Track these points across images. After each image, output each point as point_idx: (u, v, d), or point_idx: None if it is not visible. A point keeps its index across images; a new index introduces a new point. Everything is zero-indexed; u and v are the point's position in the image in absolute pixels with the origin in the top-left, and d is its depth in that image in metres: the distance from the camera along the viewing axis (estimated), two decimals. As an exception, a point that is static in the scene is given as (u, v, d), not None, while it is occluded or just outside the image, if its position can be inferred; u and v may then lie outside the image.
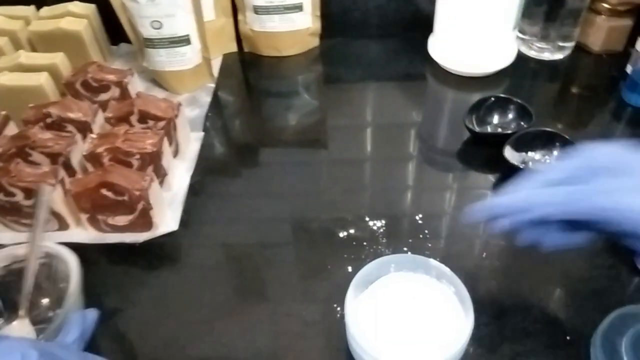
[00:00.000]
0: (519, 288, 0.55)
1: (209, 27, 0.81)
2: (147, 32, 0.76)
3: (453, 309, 0.47)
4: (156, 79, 0.83)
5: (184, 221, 0.63)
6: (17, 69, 0.72)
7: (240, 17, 0.88)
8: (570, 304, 0.53)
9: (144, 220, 0.59)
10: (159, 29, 0.76)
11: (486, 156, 0.68)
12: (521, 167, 0.63)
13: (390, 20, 0.92)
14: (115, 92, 0.72)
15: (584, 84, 0.84)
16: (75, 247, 0.58)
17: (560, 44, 0.84)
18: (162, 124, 0.66)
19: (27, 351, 0.35)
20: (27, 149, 0.61)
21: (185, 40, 0.78)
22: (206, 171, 0.70)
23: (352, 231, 0.60)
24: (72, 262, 0.48)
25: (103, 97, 0.72)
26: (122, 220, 0.59)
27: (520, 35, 0.85)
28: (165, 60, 0.79)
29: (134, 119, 0.66)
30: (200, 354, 0.51)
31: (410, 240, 0.59)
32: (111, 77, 0.72)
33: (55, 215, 0.60)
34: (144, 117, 0.66)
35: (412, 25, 0.90)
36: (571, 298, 0.54)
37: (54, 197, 0.58)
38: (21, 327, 0.47)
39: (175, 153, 0.69)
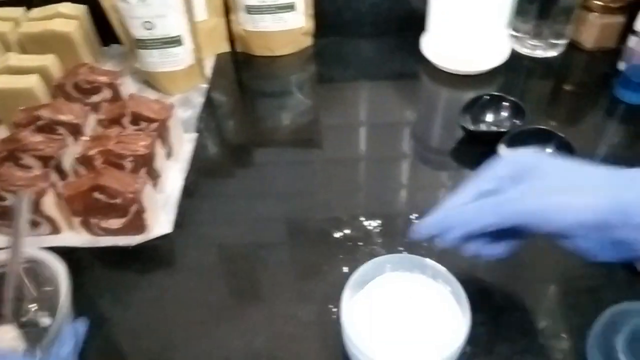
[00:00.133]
0: (515, 286, 0.55)
1: (201, 27, 0.81)
2: (139, 33, 0.76)
3: (450, 308, 0.46)
4: (148, 80, 0.83)
5: (178, 223, 0.62)
6: (7, 72, 0.71)
7: (232, 17, 0.88)
8: (565, 302, 0.53)
9: (138, 223, 0.59)
10: (150, 29, 0.75)
11: (480, 154, 0.67)
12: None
13: (384, 19, 0.91)
14: (107, 93, 0.72)
15: (577, 81, 0.84)
16: (68, 251, 0.58)
17: (553, 41, 0.84)
18: (154, 125, 0.66)
19: None
20: (18, 153, 0.60)
21: (177, 41, 0.77)
22: (200, 172, 0.69)
23: (347, 231, 0.60)
24: (60, 271, 0.48)
25: (95, 99, 0.72)
26: (115, 223, 0.59)
27: (513, 33, 0.85)
28: (157, 61, 0.78)
29: (126, 120, 0.66)
30: (196, 356, 0.50)
31: (405, 240, 0.59)
32: (103, 78, 0.72)
33: (47, 218, 0.59)
34: (136, 119, 0.66)
35: (405, 24, 0.89)
36: (567, 296, 0.54)
37: (46, 200, 0.57)
38: (7, 332, 0.46)
39: (169, 154, 0.69)
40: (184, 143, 0.72)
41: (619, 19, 0.81)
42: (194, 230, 0.62)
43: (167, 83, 0.81)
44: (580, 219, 0.37)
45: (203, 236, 0.62)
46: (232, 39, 0.90)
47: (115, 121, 0.66)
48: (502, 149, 0.65)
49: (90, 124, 0.67)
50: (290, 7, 0.85)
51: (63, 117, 0.65)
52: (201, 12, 0.84)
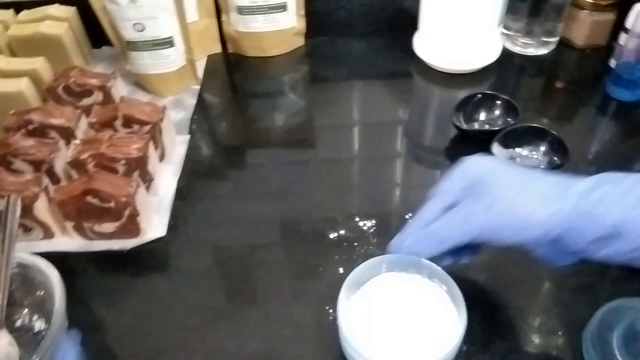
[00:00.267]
0: (510, 284, 0.55)
1: (192, 29, 0.81)
2: (130, 34, 0.75)
3: (446, 308, 0.46)
4: (140, 82, 0.82)
5: (172, 226, 0.62)
6: (-3, 75, 0.71)
7: (224, 17, 0.87)
8: (561, 299, 0.54)
9: (131, 227, 0.59)
10: (141, 31, 0.75)
11: (474, 153, 0.68)
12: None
13: (375, 19, 0.91)
14: (98, 96, 0.71)
15: (568, 78, 0.84)
16: (62, 255, 0.58)
17: (545, 39, 0.84)
18: (147, 128, 0.65)
19: None
20: (9, 157, 0.60)
21: (168, 43, 0.77)
22: (193, 174, 0.69)
23: (342, 232, 0.60)
24: (53, 277, 0.47)
25: (86, 102, 0.71)
26: (108, 227, 0.59)
27: (505, 31, 0.85)
28: (148, 63, 0.78)
29: (118, 123, 0.65)
30: (192, 360, 0.50)
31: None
32: (94, 81, 0.71)
33: (40, 223, 0.59)
34: (128, 122, 0.65)
35: (397, 23, 0.90)
36: (562, 293, 0.54)
37: (38, 205, 0.57)
38: (0, 337, 0.46)
39: (161, 157, 0.68)
40: (177, 145, 0.72)
41: (610, 17, 0.82)
42: (188, 232, 0.62)
43: (159, 85, 0.81)
44: (528, 236, 0.39)
45: (197, 239, 0.61)
46: (223, 39, 0.90)
47: (107, 124, 0.65)
48: (495, 148, 0.65)
49: (82, 128, 0.67)
50: (281, 8, 0.84)
51: (54, 121, 0.64)
52: (192, 13, 0.83)
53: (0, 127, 0.65)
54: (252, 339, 0.51)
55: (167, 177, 0.67)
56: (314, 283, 0.56)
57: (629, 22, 0.73)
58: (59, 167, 0.62)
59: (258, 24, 0.85)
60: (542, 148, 0.66)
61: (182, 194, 0.66)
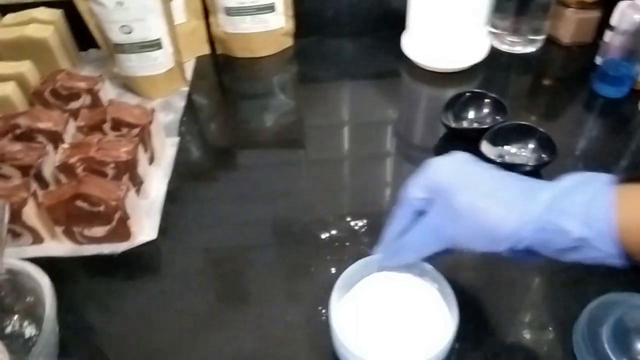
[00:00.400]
0: (501, 281, 0.55)
1: (180, 30, 0.80)
2: (117, 37, 0.75)
3: (437, 306, 0.47)
4: (128, 84, 0.82)
5: (163, 229, 0.62)
6: (-18, 80, 0.70)
7: (211, 19, 0.87)
8: (551, 295, 0.54)
9: (122, 231, 0.58)
10: (129, 33, 0.74)
11: (463, 151, 0.69)
12: (498, 161, 0.64)
13: (363, 19, 0.92)
14: (86, 99, 0.71)
15: (555, 76, 0.85)
16: (51, 261, 0.57)
17: (531, 37, 0.85)
18: (136, 131, 0.65)
19: None
20: (-4, 162, 0.59)
21: (156, 45, 0.76)
22: (183, 177, 0.69)
23: (334, 232, 0.60)
24: (44, 282, 0.47)
25: (74, 105, 0.71)
26: (99, 231, 0.58)
27: (492, 30, 0.86)
28: (136, 65, 0.78)
29: (107, 127, 0.65)
30: (185, 364, 0.50)
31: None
32: (81, 84, 0.71)
33: (29, 229, 0.58)
34: (117, 125, 0.65)
35: (385, 23, 0.90)
36: (552, 288, 0.55)
37: (27, 210, 0.56)
38: None
39: (151, 160, 0.68)
40: (167, 148, 0.72)
41: (595, 14, 0.82)
42: (179, 235, 0.61)
43: (148, 87, 0.80)
44: (499, 247, 0.39)
45: (188, 241, 0.61)
46: (212, 41, 0.90)
47: (95, 128, 0.65)
48: (485, 146, 0.65)
49: (70, 131, 0.66)
50: (270, 8, 0.84)
51: (42, 125, 0.64)
52: (180, 15, 0.83)
53: (-13, 132, 0.64)
54: (244, 341, 0.51)
55: (157, 180, 0.67)
56: (306, 284, 0.56)
57: (614, 20, 0.74)
58: (48, 171, 0.61)
59: (246, 25, 0.85)
60: (531, 145, 0.67)
61: (173, 196, 0.66)
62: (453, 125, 0.70)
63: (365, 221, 0.61)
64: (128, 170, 0.60)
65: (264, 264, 0.58)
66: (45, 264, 0.50)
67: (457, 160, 0.43)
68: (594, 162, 0.68)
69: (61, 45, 0.80)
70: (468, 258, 0.57)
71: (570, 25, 0.84)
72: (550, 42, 0.87)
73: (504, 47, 0.86)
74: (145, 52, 0.76)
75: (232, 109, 0.83)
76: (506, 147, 0.67)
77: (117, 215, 0.57)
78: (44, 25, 0.78)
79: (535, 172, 0.63)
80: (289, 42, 0.91)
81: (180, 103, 0.80)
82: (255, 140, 0.76)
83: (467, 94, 0.72)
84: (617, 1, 0.74)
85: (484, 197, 0.39)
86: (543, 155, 0.65)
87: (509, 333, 0.50)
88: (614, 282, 0.53)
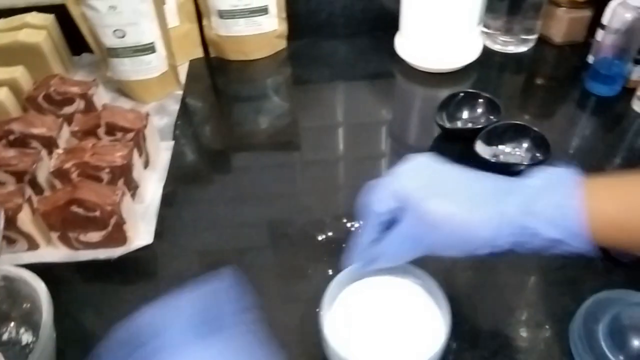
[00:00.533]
0: (497, 280, 0.55)
1: (173, 34, 0.80)
2: (110, 41, 0.74)
3: (430, 310, 0.47)
4: (122, 88, 0.82)
5: (159, 233, 0.61)
6: (-25, 85, 0.69)
7: (205, 22, 0.87)
8: (547, 293, 0.54)
9: (118, 235, 0.58)
10: (122, 37, 0.74)
11: (458, 151, 0.69)
12: (492, 160, 0.64)
13: (357, 20, 0.92)
14: (80, 104, 0.71)
15: (548, 75, 0.86)
16: (47, 267, 0.57)
17: (524, 37, 0.85)
18: (130, 135, 0.65)
19: None
20: (-9, 169, 0.59)
21: (150, 48, 0.76)
22: (178, 180, 0.69)
23: (330, 233, 0.60)
24: (40, 289, 0.47)
25: (67, 110, 0.70)
26: (94, 236, 0.58)
27: (485, 30, 0.86)
28: (130, 69, 0.77)
29: (101, 131, 0.65)
30: (183, 368, 0.50)
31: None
32: (75, 89, 0.70)
33: (24, 235, 0.58)
34: (111, 129, 0.65)
35: (379, 24, 0.90)
36: (548, 287, 0.55)
37: (22, 216, 0.56)
38: None
39: (146, 164, 0.68)
40: (161, 151, 0.71)
41: (586, 13, 0.83)
42: (176, 239, 0.61)
43: (141, 91, 0.80)
44: (478, 253, 0.39)
45: (185, 244, 0.61)
46: (205, 44, 0.90)
47: (89, 132, 0.65)
48: (479, 146, 0.66)
49: (64, 137, 0.66)
50: (263, 11, 0.84)
51: (35, 131, 0.64)
52: (173, 19, 0.83)
53: (-20, 138, 0.64)
54: (243, 344, 0.51)
55: (152, 184, 0.67)
56: (303, 285, 0.56)
57: (605, 19, 0.74)
58: (42, 177, 0.61)
59: (240, 27, 0.85)
60: (525, 144, 0.67)
61: (168, 200, 0.65)
62: (447, 125, 0.71)
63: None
64: (123, 175, 0.60)
65: (260, 266, 0.58)
66: (41, 270, 0.49)
67: (421, 165, 0.42)
68: (588, 160, 0.68)
69: (54, 50, 0.80)
70: (463, 259, 0.57)
71: (562, 24, 0.84)
72: (543, 41, 0.87)
73: (497, 47, 0.87)
74: (139, 56, 0.76)
75: (226, 112, 0.83)
76: (500, 147, 0.67)
77: (112, 220, 0.57)
78: (36, 30, 0.78)
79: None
80: (282, 44, 0.91)
81: (174, 107, 0.80)
82: (250, 143, 0.76)
83: (461, 94, 0.73)
84: (608, 0, 0.75)
85: (456, 205, 0.38)
86: (537, 154, 0.65)
87: (506, 332, 0.51)
88: (610, 280, 0.54)
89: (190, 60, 0.89)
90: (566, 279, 0.55)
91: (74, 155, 0.60)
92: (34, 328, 0.48)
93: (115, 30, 0.73)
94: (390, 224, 0.42)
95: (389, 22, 0.86)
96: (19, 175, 0.59)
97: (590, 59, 0.80)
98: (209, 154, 0.75)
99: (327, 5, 0.90)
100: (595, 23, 0.79)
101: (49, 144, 0.64)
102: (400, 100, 0.85)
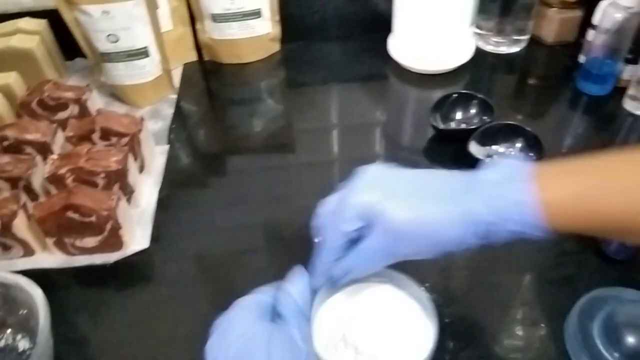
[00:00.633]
0: (491, 281, 0.56)
1: (167, 38, 0.80)
2: (103, 46, 0.74)
3: (417, 316, 0.47)
4: (116, 93, 0.81)
5: (155, 237, 0.61)
6: (-32, 92, 0.69)
7: (198, 25, 0.87)
8: (542, 292, 0.55)
9: (114, 240, 0.58)
10: (115, 42, 0.74)
11: (452, 152, 0.70)
12: (486, 160, 0.64)
13: (350, 22, 0.92)
14: (74, 109, 0.70)
15: (540, 75, 0.86)
16: (43, 273, 0.57)
17: (516, 37, 0.86)
18: (125, 140, 0.65)
19: None
20: (-15, 175, 0.59)
21: (143, 53, 0.76)
22: (174, 184, 0.69)
23: (326, 235, 0.60)
24: (36, 295, 0.47)
25: (62, 115, 0.70)
26: (90, 241, 0.58)
27: (477, 31, 0.87)
28: (124, 74, 0.77)
29: (95, 136, 0.65)
30: (181, 372, 0.50)
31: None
32: (69, 94, 0.70)
33: (19, 241, 0.58)
34: (106, 134, 0.65)
35: (372, 26, 0.90)
36: (542, 285, 0.55)
37: (17, 223, 0.56)
38: None
39: (141, 168, 0.68)
40: (156, 156, 0.71)
41: (577, 14, 0.84)
42: (172, 243, 0.61)
43: (135, 96, 0.80)
44: (450, 252, 0.39)
45: (181, 248, 0.61)
46: (199, 47, 0.90)
47: (84, 137, 0.65)
48: (473, 146, 0.66)
49: (59, 142, 0.66)
50: (256, 14, 0.84)
51: (30, 136, 0.64)
52: (166, 22, 0.83)
53: (-26, 144, 0.64)
54: (240, 347, 0.51)
55: (147, 189, 0.67)
56: (300, 288, 0.56)
57: (596, 19, 0.75)
58: (37, 183, 0.61)
59: (233, 31, 0.85)
60: (518, 144, 0.68)
61: (164, 204, 0.65)
62: (441, 126, 0.71)
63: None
64: (118, 180, 0.60)
65: (256, 268, 0.59)
66: (37, 276, 0.49)
67: (376, 175, 0.42)
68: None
69: (47, 55, 0.80)
70: (458, 258, 0.58)
71: (553, 25, 0.85)
72: (534, 42, 0.88)
73: (489, 48, 0.87)
74: (132, 61, 0.76)
75: (220, 115, 0.83)
76: (494, 147, 0.68)
77: (108, 225, 0.57)
78: (29, 35, 0.78)
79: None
80: (275, 47, 0.91)
81: (168, 110, 0.80)
82: (245, 146, 0.76)
83: (454, 95, 0.73)
84: (599, 0, 0.75)
85: (420, 208, 0.39)
86: (531, 154, 0.66)
87: (502, 330, 0.51)
88: (603, 278, 0.54)
89: (184, 64, 0.89)
90: (561, 277, 0.55)
91: (68, 161, 0.60)
92: (31, 334, 0.48)
93: (108, 35, 0.73)
94: (355, 238, 0.42)
95: (382, 24, 0.86)
96: (13, 182, 0.59)
97: (582, 58, 0.80)
98: (204, 158, 0.75)
99: (320, 8, 0.91)
100: (586, 23, 0.80)
101: (44, 149, 0.64)
102: (394, 101, 0.85)
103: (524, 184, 0.37)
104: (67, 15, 0.74)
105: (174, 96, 0.83)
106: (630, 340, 0.46)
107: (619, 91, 0.76)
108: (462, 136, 0.67)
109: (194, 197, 0.68)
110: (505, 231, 0.37)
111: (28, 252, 0.59)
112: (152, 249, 0.60)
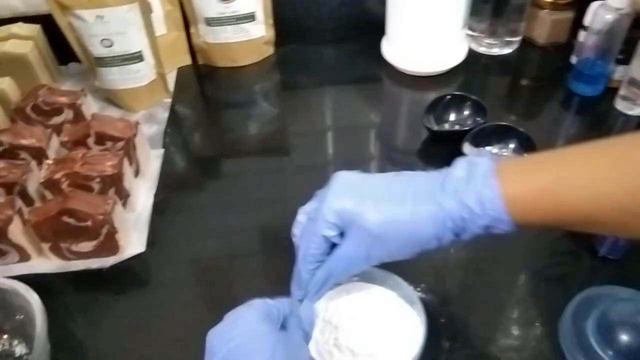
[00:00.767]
0: (486, 280, 0.56)
1: (161, 42, 0.80)
2: (98, 51, 0.74)
3: (407, 316, 0.47)
4: (110, 97, 0.81)
5: (151, 241, 0.62)
6: (-38, 98, 0.69)
7: (192, 29, 0.87)
8: (536, 291, 0.55)
9: (110, 245, 0.58)
10: (109, 47, 0.74)
11: (446, 153, 0.69)
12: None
13: (343, 25, 0.92)
14: (69, 114, 0.70)
15: (532, 76, 0.87)
16: (39, 277, 0.57)
17: (508, 39, 0.87)
18: (120, 144, 0.65)
19: None
20: (-20, 181, 0.59)
21: (137, 57, 0.76)
22: (169, 188, 0.69)
23: (321, 238, 0.60)
24: (33, 300, 0.47)
25: (56, 120, 0.70)
26: (86, 246, 0.58)
27: (470, 33, 0.87)
28: (118, 78, 0.77)
29: (91, 141, 0.65)
30: (178, 375, 0.50)
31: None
32: (63, 99, 0.70)
33: (15, 246, 0.58)
34: (101, 139, 0.65)
35: (365, 29, 0.91)
36: (537, 285, 0.56)
37: (12, 228, 0.56)
38: None
39: (136, 173, 0.68)
40: (151, 160, 0.72)
41: (569, 15, 0.84)
42: (168, 246, 0.62)
43: (130, 100, 0.80)
44: (429, 250, 0.40)
45: (177, 252, 0.61)
46: (193, 51, 0.90)
47: (79, 142, 0.65)
48: (467, 147, 0.67)
49: (54, 147, 0.66)
50: (250, 17, 0.85)
51: (24, 142, 0.64)
52: (160, 27, 0.83)
53: (-31, 150, 0.64)
54: (237, 350, 0.51)
55: (143, 193, 0.67)
56: (296, 290, 0.56)
57: (587, 20, 0.76)
58: (32, 188, 0.61)
59: (227, 34, 0.86)
60: (511, 145, 0.68)
61: (160, 208, 0.66)
62: (435, 128, 0.72)
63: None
64: (114, 184, 0.60)
65: (252, 272, 0.59)
66: (33, 281, 0.49)
67: (347, 180, 0.43)
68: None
69: (41, 60, 0.80)
70: (453, 258, 0.58)
71: (545, 26, 0.86)
72: (527, 43, 0.89)
73: (482, 49, 0.88)
74: (127, 65, 0.76)
75: (215, 119, 0.83)
76: (488, 148, 0.68)
77: (104, 230, 0.57)
78: (23, 40, 0.78)
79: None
80: (270, 50, 0.91)
81: (163, 114, 0.80)
82: (240, 149, 0.76)
83: (448, 96, 0.73)
84: (590, 2, 0.76)
85: (396, 208, 0.39)
86: (524, 154, 0.66)
87: (497, 330, 0.51)
88: (596, 276, 0.55)
89: (179, 68, 0.89)
90: (555, 276, 0.56)
91: (64, 166, 0.60)
92: (28, 340, 0.48)
93: (102, 40, 0.73)
94: (334, 244, 0.42)
95: (375, 27, 0.86)
96: (8, 187, 0.59)
97: (574, 59, 0.81)
98: (199, 161, 0.76)
99: (313, 11, 0.91)
100: (577, 24, 0.80)
101: (39, 154, 0.64)
102: (388, 103, 0.85)
103: (486, 179, 0.38)
104: (61, 20, 0.74)
105: (169, 100, 0.83)
106: (624, 338, 0.46)
107: (611, 91, 0.77)
108: (456, 137, 0.67)
109: (190, 201, 0.68)
110: (476, 225, 0.38)
111: (24, 257, 0.59)
112: (148, 253, 0.60)
